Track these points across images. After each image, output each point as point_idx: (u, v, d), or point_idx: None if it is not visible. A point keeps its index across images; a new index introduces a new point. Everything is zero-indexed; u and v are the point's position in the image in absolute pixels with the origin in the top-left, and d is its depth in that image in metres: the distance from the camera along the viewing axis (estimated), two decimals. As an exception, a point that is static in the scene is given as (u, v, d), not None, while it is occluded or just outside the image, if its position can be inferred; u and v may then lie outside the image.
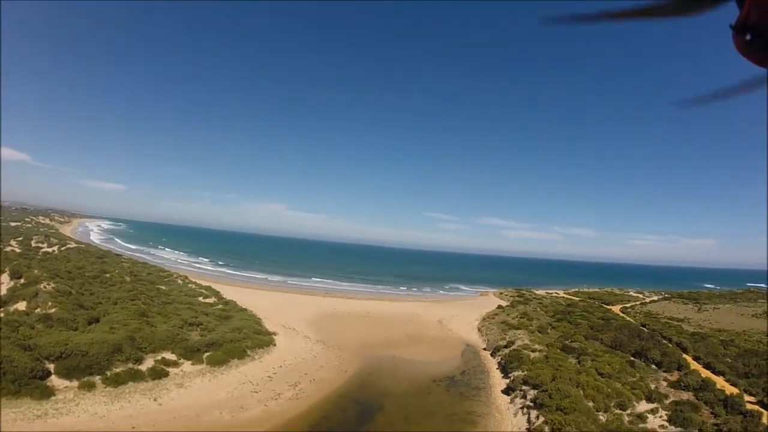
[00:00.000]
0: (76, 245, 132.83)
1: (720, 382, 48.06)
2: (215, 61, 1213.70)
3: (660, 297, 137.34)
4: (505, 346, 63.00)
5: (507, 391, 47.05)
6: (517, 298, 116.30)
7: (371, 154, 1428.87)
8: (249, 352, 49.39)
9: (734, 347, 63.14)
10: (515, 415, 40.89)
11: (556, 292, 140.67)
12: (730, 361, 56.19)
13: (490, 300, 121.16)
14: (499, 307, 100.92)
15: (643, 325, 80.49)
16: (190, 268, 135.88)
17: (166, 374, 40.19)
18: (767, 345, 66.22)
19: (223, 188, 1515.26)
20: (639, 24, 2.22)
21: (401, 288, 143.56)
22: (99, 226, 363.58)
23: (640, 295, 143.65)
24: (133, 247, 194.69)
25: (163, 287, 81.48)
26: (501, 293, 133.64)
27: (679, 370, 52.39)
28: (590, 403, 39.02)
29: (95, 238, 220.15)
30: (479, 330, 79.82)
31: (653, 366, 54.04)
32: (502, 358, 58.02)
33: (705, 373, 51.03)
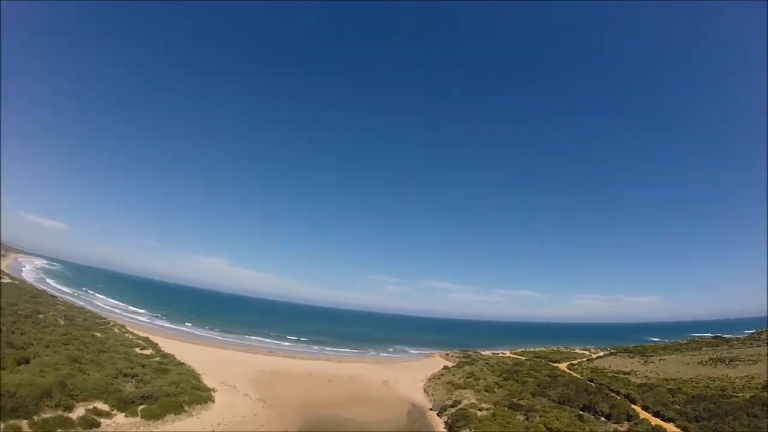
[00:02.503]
0: (10, 281, 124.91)
1: (671, 428, 46.97)
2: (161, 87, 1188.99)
3: (606, 353, 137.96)
4: (452, 406, 59.92)
5: (454, 451, 44.11)
6: (463, 359, 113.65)
7: (317, 215, 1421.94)
8: (186, 407, 46.31)
9: (682, 394, 62.58)
10: (463, 479, 37.96)
11: (502, 353, 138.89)
12: (679, 407, 55.31)
13: (435, 361, 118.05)
14: (445, 367, 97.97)
15: (591, 380, 79.37)
16: (126, 318, 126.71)
17: (98, 425, 37.11)
18: (715, 389, 66.50)
19: (163, 237, 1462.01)
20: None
21: (345, 349, 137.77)
22: (33, 263, 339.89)
23: (586, 352, 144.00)
24: (66, 290, 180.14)
25: (99, 334, 76.66)
26: (447, 354, 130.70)
27: (628, 420, 50.93)
28: (540, 461, 36.66)
29: (28, 276, 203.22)
30: (425, 390, 76.34)
31: (602, 418, 52.35)
32: (448, 418, 54.86)
33: (655, 421, 49.88)
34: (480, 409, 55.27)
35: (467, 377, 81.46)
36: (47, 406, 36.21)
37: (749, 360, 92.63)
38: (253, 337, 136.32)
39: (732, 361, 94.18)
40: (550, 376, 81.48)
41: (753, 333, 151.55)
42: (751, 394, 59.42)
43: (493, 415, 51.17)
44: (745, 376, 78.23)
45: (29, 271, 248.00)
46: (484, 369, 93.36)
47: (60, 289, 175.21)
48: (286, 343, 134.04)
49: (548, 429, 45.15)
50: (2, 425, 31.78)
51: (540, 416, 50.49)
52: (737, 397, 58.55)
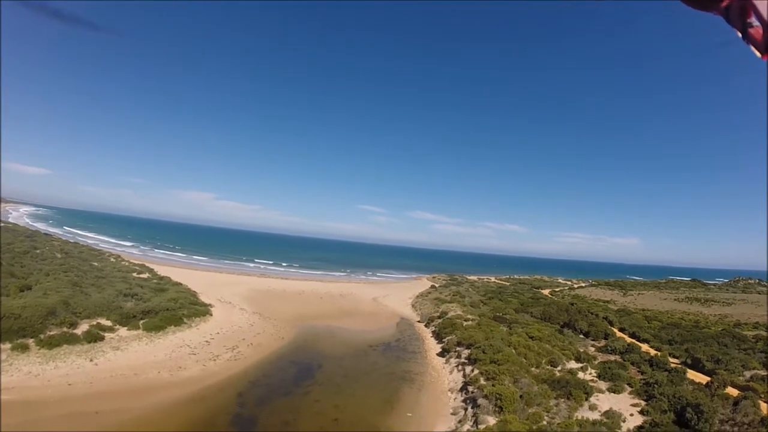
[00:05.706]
0: (3, 224, 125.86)
1: (645, 347, 49.42)
2: (144, 39, 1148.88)
3: (587, 284, 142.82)
4: (439, 317, 62.59)
5: (442, 353, 46.39)
6: (449, 281, 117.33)
7: (307, 144, 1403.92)
8: (186, 320, 47.56)
9: (657, 321, 65.72)
10: (451, 372, 40.22)
11: (487, 278, 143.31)
12: (654, 331, 58.26)
13: (422, 283, 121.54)
14: (432, 287, 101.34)
15: (572, 304, 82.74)
16: (118, 250, 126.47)
17: (102, 338, 38.40)
18: (689, 321, 69.56)
19: (152, 175, 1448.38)
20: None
21: (335, 272, 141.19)
22: (19, 210, 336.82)
23: (569, 282, 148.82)
24: (54, 231, 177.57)
25: (96, 263, 77.16)
26: (434, 277, 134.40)
27: (605, 338, 53.65)
28: (522, 360, 38.94)
29: (15, 221, 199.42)
30: (413, 306, 79.35)
31: (581, 335, 55.16)
32: (436, 327, 57.43)
33: (630, 340, 52.47)
34: (466, 320, 57.75)
35: (453, 295, 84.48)
36: (52, 324, 37.37)
37: (724, 302, 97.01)
38: (243, 263, 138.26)
39: (707, 301, 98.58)
40: (532, 298, 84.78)
41: (729, 281, 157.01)
42: (723, 328, 62.79)
43: (479, 325, 53.59)
44: (719, 314, 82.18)
45: (16, 217, 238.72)
46: (470, 290, 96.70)
47: (48, 231, 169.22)
48: (278, 268, 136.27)
49: (530, 337, 47.54)
50: (9, 345, 32.93)
51: (522, 328, 53.06)
52: (709, 329, 61.66)
